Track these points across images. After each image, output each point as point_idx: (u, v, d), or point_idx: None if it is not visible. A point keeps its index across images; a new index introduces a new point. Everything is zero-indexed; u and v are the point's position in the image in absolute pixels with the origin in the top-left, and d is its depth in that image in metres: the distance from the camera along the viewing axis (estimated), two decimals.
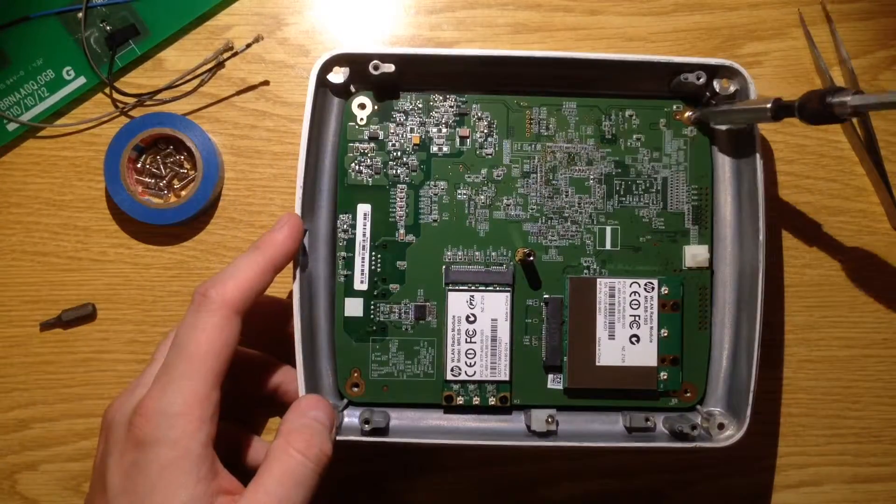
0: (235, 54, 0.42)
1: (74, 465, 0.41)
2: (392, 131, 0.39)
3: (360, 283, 0.38)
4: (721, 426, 0.37)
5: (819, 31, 0.43)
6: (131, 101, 0.42)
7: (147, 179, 0.42)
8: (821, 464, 0.42)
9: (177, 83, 0.42)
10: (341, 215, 0.38)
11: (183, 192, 0.42)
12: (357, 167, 0.39)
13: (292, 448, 0.30)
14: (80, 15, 0.41)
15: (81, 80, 0.42)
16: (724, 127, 0.39)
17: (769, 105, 0.34)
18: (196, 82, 0.42)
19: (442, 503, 0.42)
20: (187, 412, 0.29)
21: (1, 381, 0.41)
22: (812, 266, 0.43)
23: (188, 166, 0.42)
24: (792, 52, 0.43)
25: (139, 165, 0.42)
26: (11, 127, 0.41)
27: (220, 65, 0.42)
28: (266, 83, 0.42)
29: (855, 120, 0.42)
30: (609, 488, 0.42)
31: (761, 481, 0.42)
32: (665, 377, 0.39)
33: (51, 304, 0.41)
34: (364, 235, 0.38)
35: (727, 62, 0.38)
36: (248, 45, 0.42)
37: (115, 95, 0.42)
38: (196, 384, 0.30)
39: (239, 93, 0.42)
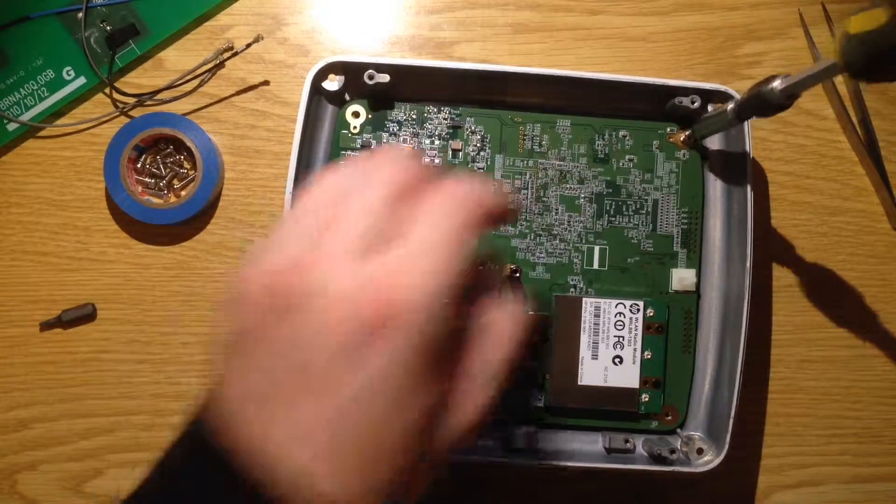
0: (235, 54, 0.42)
1: (74, 465, 0.41)
2: (385, 141, 0.39)
3: None
4: (700, 451, 0.37)
5: (819, 31, 0.43)
6: (131, 101, 0.42)
7: (147, 179, 0.42)
8: (821, 464, 0.42)
9: (177, 83, 0.42)
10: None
11: (183, 192, 0.42)
12: None
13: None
14: (80, 15, 0.41)
15: (81, 80, 0.42)
16: (716, 148, 0.39)
17: (730, 107, 0.35)
18: (196, 82, 0.42)
19: (441, 502, 0.42)
20: (441, 303, 0.25)
21: (1, 381, 0.41)
22: (812, 266, 0.42)
23: (188, 166, 0.42)
24: (792, 52, 0.43)
25: (139, 165, 0.42)
26: (11, 127, 0.41)
27: (220, 65, 0.42)
28: (266, 83, 0.42)
29: (856, 120, 0.42)
30: (608, 488, 0.42)
31: (761, 481, 0.42)
32: (647, 399, 0.39)
33: (51, 304, 0.41)
34: None
35: (721, 87, 0.38)
36: (248, 45, 0.42)
37: (115, 95, 0.42)
38: (455, 277, 0.25)
39: (239, 93, 0.42)
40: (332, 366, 0.25)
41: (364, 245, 0.26)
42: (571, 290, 0.39)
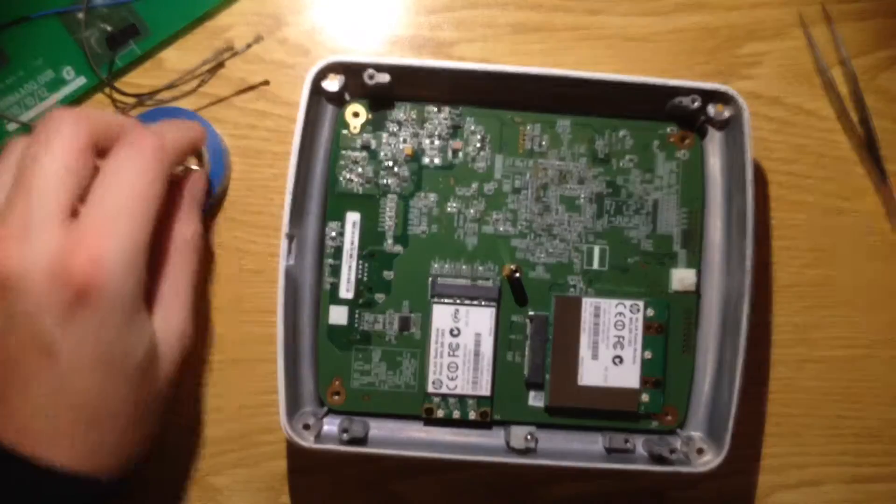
0: (235, 54, 0.42)
1: None
2: (385, 141, 0.39)
3: (346, 292, 0.39)
4: (700, 451, 0.37)
5: (819, 31, 0.43)
6: (131, 101, 0.42)
7: None
8: (821, 464, 0.42)
9: (177, 83, 0.42)
10: (330, 223, 0.39)
11: None
12: (348, 175, 0.39)
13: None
14: (81, 15, 0.41)
15: (81, 80, 0.42)
16: (716, 148, 0.40)
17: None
18: (196, 82, 0.42)
19: (441, 502, 0.42)
20: (134, 266, 0.28)
21: None
22: (812, 266, 0.42)
23: (194, 162, 0.42)
24: (792, 52, 0.43)
25: None
26: (11, 127, 0.41)
27: (220, 65, 0.42)
28: (266, 83, 0.42)
29: (856, 119, 0.42)
30: (608, 488, 0.42)
31: (761, 481, 0.42)
32: (647, 399, 0.39)
33: None
34: (352, 244, 0.39)
35: (723, 87, 0.38)
36: (248, 45, 0.42)
37: (115, 95, 0.42)
38: (143, 233, 0.29)
39: (239, 93, 0.42)
40: (44, 343, 0.27)
41: (54, 212, 0.27)
42: (571, 290, 0.39)
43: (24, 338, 0.27)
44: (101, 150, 0.31)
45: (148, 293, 0.32)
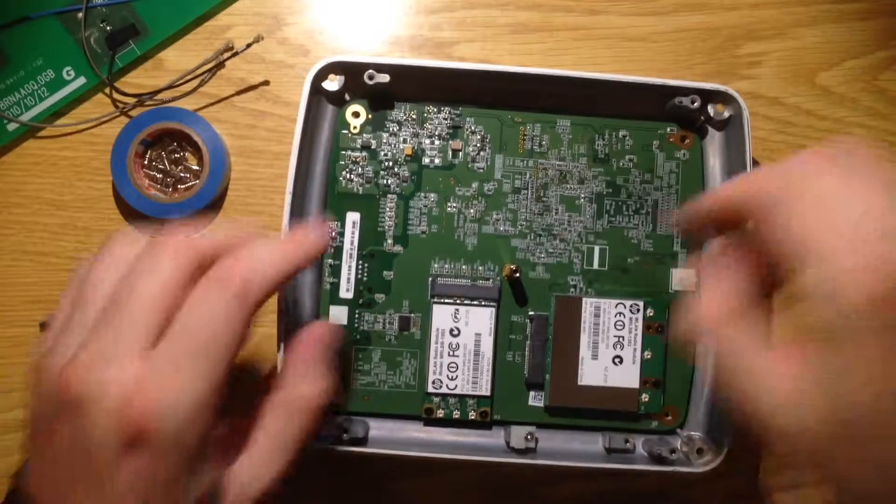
0: (235, 54, 0.42)
1: None
2: (385, 141, 0.39)
3: (346, 292, 0.39)
4: (700, 451, 0.37)
5: (819, 31, 0.43)
6: (131, 101, 0.42)
7: (153, 174, 0.42)
8: None
9: (177, 83, 0.42)
10: (330, 223, 0.39)
11: (188, 188, 0.41)
12: (348, 175, 0.39)
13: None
14: (80, 15, 0.41)
15: (81, 80, 0.42)
16: (716, 148, 0.40)
17: None
18: (196, 82, 0.42)
19: (441, 502, 0.42)
20: (199, 414, 0.27)
21: (1, 381, 0.41)
22: None
23: (194, 161, 0.42)
24: (792, 52, 0.43)
25: (145, 161, 0.42)
26: (11, 127, 0.41)
27: (221, 65, 0.42)
28: (266, 83, 0.42)
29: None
30: (608, 488, 0.42)
31: (761, 481, 0.42)
32: (646, 399, 0.39)
33: (51, 304, 0.41)
34: (352, 244, 0.39)
35: (722, 87, 0.38)
36: (248, 45, 0.42)
37: (116, 95, 0.42)
38: (216, 376, 0.27)
39: (239, 93, 0.42)
40: (97, 476, 0.26)
41: (137, 343, 0.27)
42: (571, 290, 0.39)
43: (81, 465, 0.27)
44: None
45: (236, 437, 0.31)
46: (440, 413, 0.38)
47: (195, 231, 0.30)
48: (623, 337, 0.38)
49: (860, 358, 0.24)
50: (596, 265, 0.39)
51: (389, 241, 0.39)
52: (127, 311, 0.27)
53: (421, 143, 0.39)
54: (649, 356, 0.38)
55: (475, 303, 0.38)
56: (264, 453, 0.31)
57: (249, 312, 0.28)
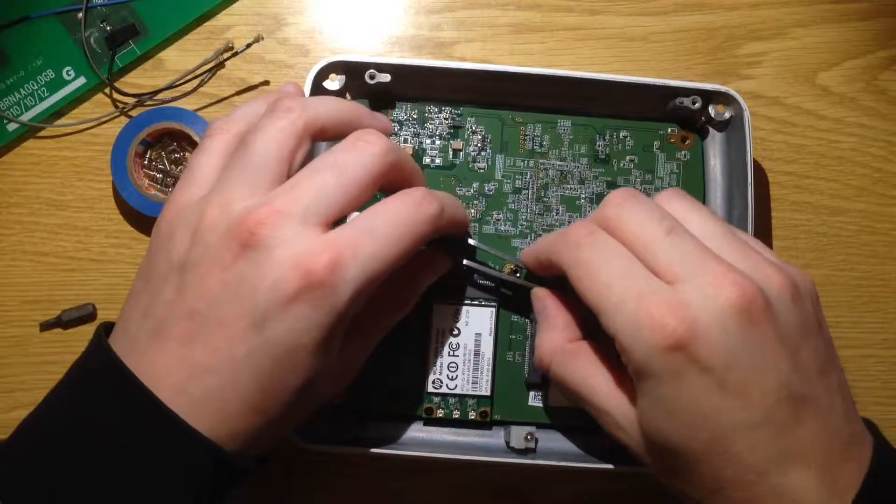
0: (235, 54, 0.42)
1: None
2: None
3: None
4: None
5: (819, 31, 0.43)
6: (131, 101, 0.42)
7: (153, 174, 0.42)
8: None
9: (177, 83, 0.42)
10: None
11: None
12: None
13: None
14: (80, 15, 0.41)
15: (81, 80, 0.42)
16: (716, 148, 0.40)
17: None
18: (196, 82, 0.42)
19: (441, 502, 0.42)
20: (371, 281, 0.29)
21: (1, 381, 0.41)
22: (812, 266, 0.42)
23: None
24: (792, 52, 0.43)
25: (145, 161, 0.42)
26: (11, 127, 0.41)
27: (220, 65, 0.42)
28: (266, 83, 0.42)
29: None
30: (609, 488, 0.42)
31: None
32: None
33: (51, 304, 0.41)
34: None
35: (723, 88, 0.38)
36: (248, 45, 0.42)
37: (116, 95, 0.42)
38: (389, 262, 0.29)
39: (239, 93, 0.42)
40: (242, 318, 0.28)
41: (316, 212, 0.29)
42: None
43: (244, 301, 0.28)
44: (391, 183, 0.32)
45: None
46: (440, 413, 0.38)
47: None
48: None
49: (663, 396, 0.28)
50: None
51: None
52: (312, 181, 0.29)
53: (422, 142, 0.39)
54: None
55: (476, 303, 0.38)
56: (364, 340, 0.34)
57: (430, 233, 0.31)
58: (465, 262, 0.37)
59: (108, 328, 0.31)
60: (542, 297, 0.36)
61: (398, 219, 0.30)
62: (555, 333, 0.34)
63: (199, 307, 0.28)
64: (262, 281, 0.27)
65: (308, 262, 0.27)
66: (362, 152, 0.30)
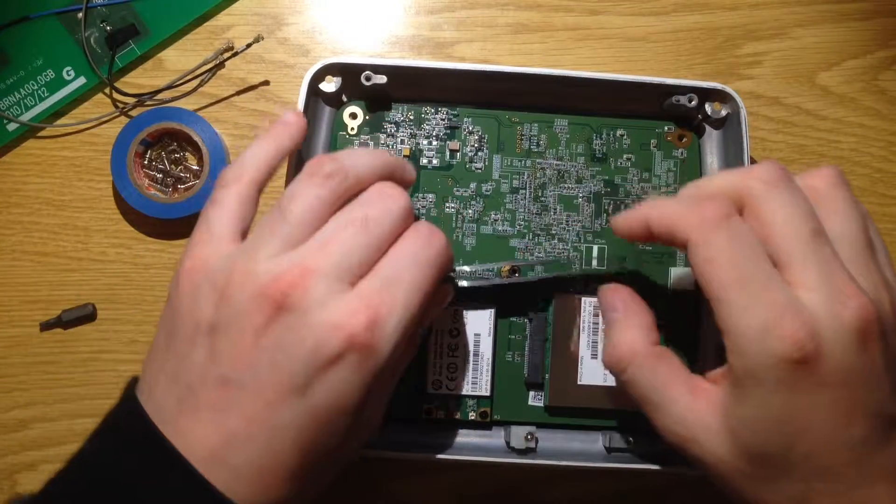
0: (235, 54, 0.42)
1: None
2: (382, 142, 0.39)
3: None
4: None
5: (819, 31, 0.43)
6: (131, 101, 0.42)
7: (153, 174, 0.42)
8: None
9: (177, 83, 0.42)
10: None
11: (188, 188, 0.42)
12: None
13: None
14: (80, 15, 0.41)
15: (81, 80, 0.42)
16: (714, 147, 0.40)
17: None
18: (196, 82, 0.42)
19: (441, 502, 0.42)
20: (405, 333, 0.28)
21: (1, 381, 0.41)
22: None
23: (194, 161, 0.42)
24: (792, 52, 0.43)
25: (145, 161, 0.42)
26: (11, 127, 0.41)
27: (220, 65, 0.42)
28: (266, 83, 0.42)
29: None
30: (608, 488, 0.42)
31: None
32: None
33: (51, 304, 0.41)
34: None
35: (720, 86, 0.38)
36: (248, 45, 0.42)
37: (116, 95, 0.42)
38: (418, 310, 0.29)
39: (239, 93, 0.42)
40: (282, 383, 0.27)
41: (348, 269, 0.28)
42: (570, 289, 0.39)
43: (282, 366, 0.27)
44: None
45: None
46: (440, 414, 0.38)
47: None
48: None
49: (770, 404, 0.28)
50: (595, 264, 0.39)
51: None
52: (337, 239, 0.29)
53: (419, 143, 0.39)
54: None
55: (474, 303, 0.38)
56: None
57: (441, 274, 0.30)
58: (462, 283, 0.37)
59: (135, 381, 0.31)
60: (620, 293, 0.34)
61: (417, 261, 0.29)
62: (638, 334, 0.32)
63: (233, 374, 0.27)
64: (301, 345, 0.27)
65: (347, 323, 0.27)
66: (389, 208, 0.30)
